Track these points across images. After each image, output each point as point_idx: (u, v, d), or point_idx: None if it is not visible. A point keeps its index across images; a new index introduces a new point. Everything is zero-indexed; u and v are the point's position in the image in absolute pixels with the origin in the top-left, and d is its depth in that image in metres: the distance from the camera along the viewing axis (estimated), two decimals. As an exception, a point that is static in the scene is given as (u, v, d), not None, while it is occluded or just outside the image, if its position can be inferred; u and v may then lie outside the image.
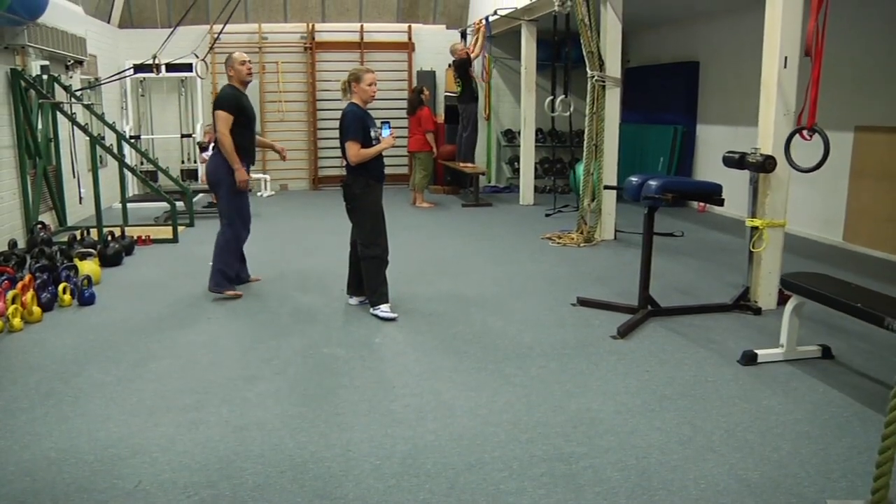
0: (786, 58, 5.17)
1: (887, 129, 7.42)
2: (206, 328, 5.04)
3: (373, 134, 5.21)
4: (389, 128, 5.35)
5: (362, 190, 5.23)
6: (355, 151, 5.12)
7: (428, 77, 13.04)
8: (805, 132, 4.90)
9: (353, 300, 5.61)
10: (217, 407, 3.74)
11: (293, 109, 13.15)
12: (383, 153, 5.30)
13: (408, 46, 13.35)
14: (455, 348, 4.66)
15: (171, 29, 7.99)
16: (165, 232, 8.34)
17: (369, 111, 5.31)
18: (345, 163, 5.27)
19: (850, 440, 3.37)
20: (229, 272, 5.84)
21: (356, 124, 5.13)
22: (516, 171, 12.40)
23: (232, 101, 5.71)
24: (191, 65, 10.61)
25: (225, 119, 5.66)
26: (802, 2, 5.12)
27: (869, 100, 7.59)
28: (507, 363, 4.38)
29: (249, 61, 5.87)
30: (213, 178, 5.89)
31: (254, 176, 8.56)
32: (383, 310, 5.27)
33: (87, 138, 8.26)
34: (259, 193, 11.95)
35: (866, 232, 7.77)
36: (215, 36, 10.20)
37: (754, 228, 5.36)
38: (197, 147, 11.91)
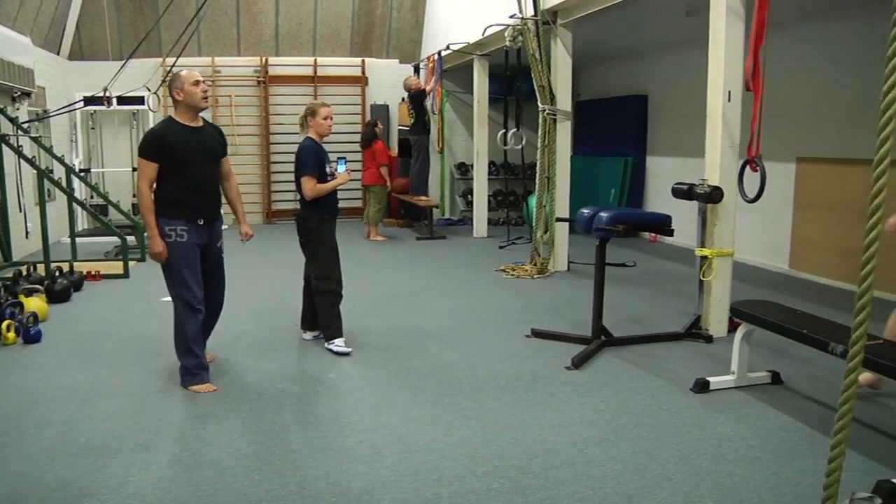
0: (729, 92, 5.32)
1: (827, 161, 7.65)
2: (157, 365, 4.94)
3: (328, 169, 5.21)
4: (345, 163, 5.36)
5: (317, 224, 5.21)
6: (311, 186, 5.11)
7: (381, 111, 13.11)
8: (753, 163, 5.05)
9: (308, 335, 5.56)
10: (169, 446, 3.66)
11: (246, 143, 13.08)
12: (337, 187, 5.31)
13: (361, 80, 13.42)
14: (410, 382, 4.64)
15: (123, 62, 7.92)
16: (116, 267, 8.19)
17: (325, 145, 5.31)
18: (299, 197, 5.25)
19: (800, 464, 3.43)
20: (190, 362, 4.49)
21: (312, 159, 5.13)
22: (470, 204, 12.48)
23: (152, 143, 4.34)
24: (143, 98, 10.52)
25: (143, 169, 4.35)
26: (743, 38, 5.28)
27: (810, 132, 7.83)
28: (462, 396, 4.37)
29: (204, 81, 4.52)
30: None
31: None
32: (338, 344, 5.24)
33: (35, 171, 8.11)
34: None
35: (811, 259, 7.98)
36: (168, 69, 10.14)
37: (704, 258, 5.47)
38: None
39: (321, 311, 5.31)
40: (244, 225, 4.92)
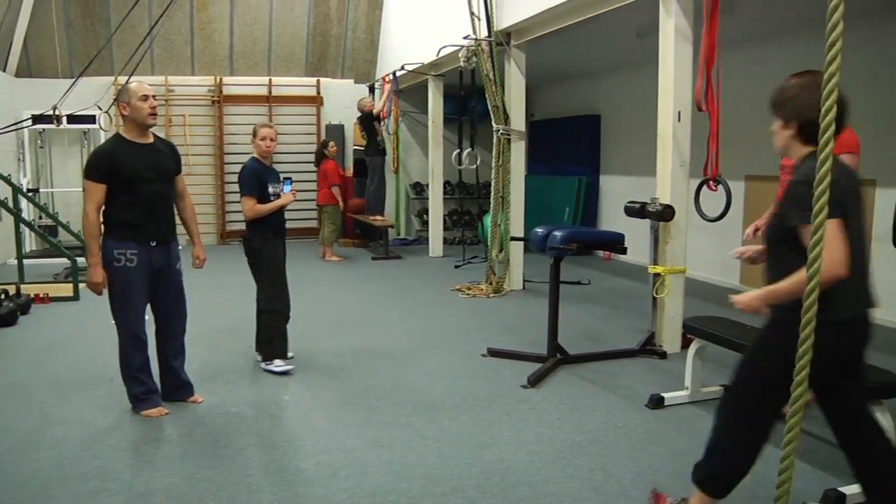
0: (679, 112, 5.44)
1: (775, 179, 7.79)
2: (108, 390, 4.83)
3: (272, 190, 5.17)
4: (291, 184, 5.32)
5: (261, 244, 5.18)
6: (249, 207, 5.09)
7: (337, 131, 13.09)
8: (711, 182, 5.16)
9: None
10: (119, 473, 3.58)
11: (200, 163, 12.94)
12: (286, 207, 5.28)
13: (316, 100, 13.40)
14: (366, 403, 4.61)
15: (74, 80, 7.80)
16: (66, 290, 8.00)
17: (275, 165, 5.28)
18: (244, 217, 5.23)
19: (753, 477, 3.47)
20: (137, 389, 4.36)
21: (251, 179, 5.11)
22: (425, 224, 12.50)
23: (99, 164, 4.12)
24: (94, 116, 10.35)
25: (90, 191, 4.12)
26: (691, 60, 5.40)
27: (758, 150, 8.01)
28: (418, 416, 4.36)
29: (154, 96, 4.26)
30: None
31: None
32: (277, 364, 5.19)
33: (-21, 193, 7.92)
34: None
35: (760, 275, 8.11)
36: (120, 87, 10.00)
37: (657, 275, 5.55)
38: None
39: (265, 330, 5.25)
40: (198, 247, 4.70)
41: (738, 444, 2.78)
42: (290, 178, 5.36)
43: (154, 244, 4.26)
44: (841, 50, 1.96)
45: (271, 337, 5.23)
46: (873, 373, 3.44)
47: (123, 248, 4.16)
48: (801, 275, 2.28)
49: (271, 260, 5.22)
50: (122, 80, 10.26)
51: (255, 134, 5.23)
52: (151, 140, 4.34)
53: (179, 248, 4.48)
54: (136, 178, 4.14)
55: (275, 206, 5.15)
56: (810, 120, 2.35)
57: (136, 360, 4.32)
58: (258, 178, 5.12)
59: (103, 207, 4.17)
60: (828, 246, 2.20)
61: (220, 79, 12.91)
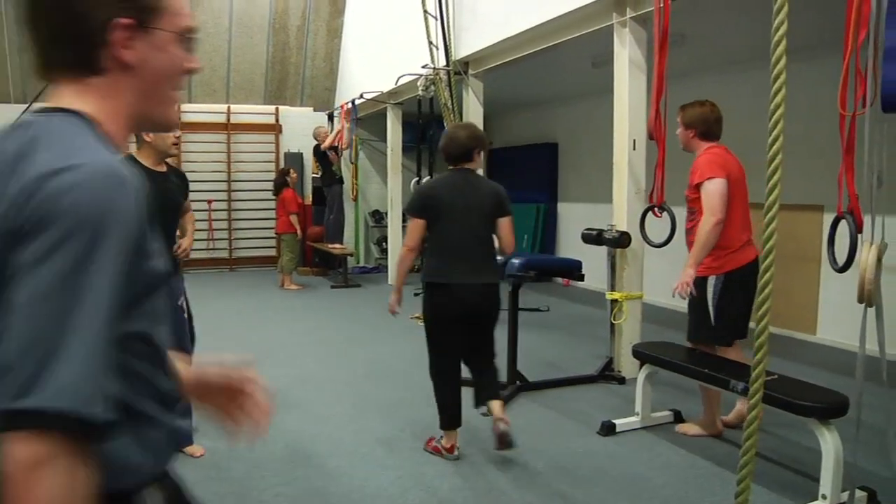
0: (634, 140, 5.54)
1: (728, 206, 7.98)
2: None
3: None
4: None
5: None
6: None
7: (296, 159, 13.06)
8: (656, 209, 5.24)
9: None
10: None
11: (156, 191, 12.78)
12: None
13: (275, 128, 13.36)
14: (326, 432, 4.57)
15: (27, 105, 7.69)
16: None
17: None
18: None
19: (711, 499, 3.53)
20: None
21: None
22: (384, 252, 12.49)
23: None
24: (47, 144, 10.20)
25: None
26: (646, 89, 5.53)
27: (711, 179, 8.17)
28: (377, 445, 4.34)
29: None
30: None
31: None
32: None
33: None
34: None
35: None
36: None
37: (614, 301, 5.61)
38: None
39: None
40: (187, 239, 4.26)
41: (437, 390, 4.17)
42: None
43: None
44: (785, 82, 2.03)
45: None
46: (821, 393, 3.51)
47: None
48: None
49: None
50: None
51: None
52: (165, 169, 3.97)
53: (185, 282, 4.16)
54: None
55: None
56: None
57: None
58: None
59: None
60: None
61: (178, 106, 12.73)
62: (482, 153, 4.19)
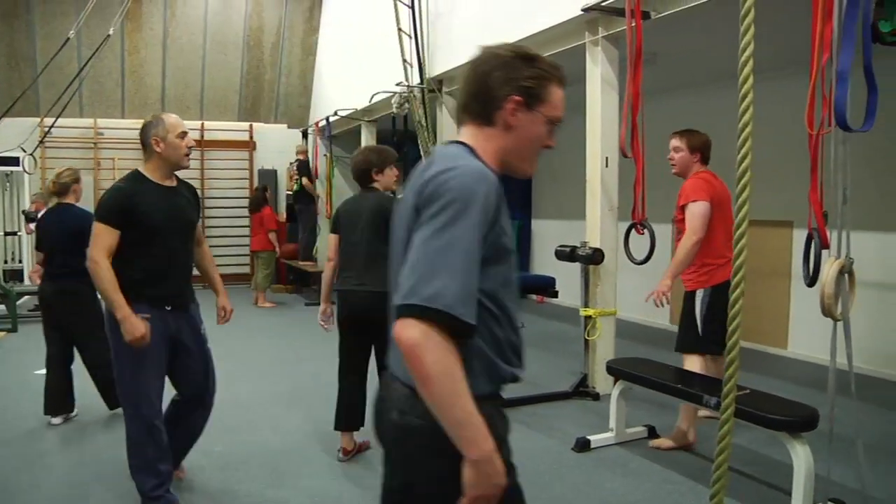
0: (606, 157, 5.60)
1: (700, 222, 8.07)
2: (33, 448, 4.64)
3: None
4: None
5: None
6: None
7: (270, 176, 13.04)
8: (638, 226, 5.31)
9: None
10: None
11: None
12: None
13: (249, 145, 13.33)
14: (300, 452, 4.54)
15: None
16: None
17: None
18: None
19: (684, 517, 3.55)
20: (150, 482, 3.40)
21: None
22: (361, 268, 12.44)
23: (118, 206, 3.33)
24: (17, 159, 10.06)
25: (100, 235, 3.30)
26: (618, 107, 5.59)
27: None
28: (353, 464, 4.31)
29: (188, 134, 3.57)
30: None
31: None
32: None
33: None
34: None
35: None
36: (46, 129, 9.79)
37: (588, 317, 5.64)
38: (24, 218, 10.21)
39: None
40: (223, 297, 3.92)
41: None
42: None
43: (169, 308, 3.46)
44: (753, 101, 2.07)
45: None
46: (792, 407, 3.55)
47: (135, 312, 3.29)
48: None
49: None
50: (49, 121, 10.06)
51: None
52: (175, 183, 3.61)
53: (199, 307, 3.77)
54: (156, 229, 3.38)
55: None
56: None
57: (153, 449, 3.42)
58: None
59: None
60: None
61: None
62: (385, 170, 4.64)
